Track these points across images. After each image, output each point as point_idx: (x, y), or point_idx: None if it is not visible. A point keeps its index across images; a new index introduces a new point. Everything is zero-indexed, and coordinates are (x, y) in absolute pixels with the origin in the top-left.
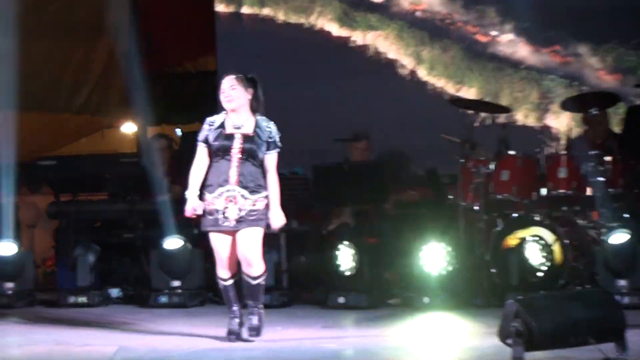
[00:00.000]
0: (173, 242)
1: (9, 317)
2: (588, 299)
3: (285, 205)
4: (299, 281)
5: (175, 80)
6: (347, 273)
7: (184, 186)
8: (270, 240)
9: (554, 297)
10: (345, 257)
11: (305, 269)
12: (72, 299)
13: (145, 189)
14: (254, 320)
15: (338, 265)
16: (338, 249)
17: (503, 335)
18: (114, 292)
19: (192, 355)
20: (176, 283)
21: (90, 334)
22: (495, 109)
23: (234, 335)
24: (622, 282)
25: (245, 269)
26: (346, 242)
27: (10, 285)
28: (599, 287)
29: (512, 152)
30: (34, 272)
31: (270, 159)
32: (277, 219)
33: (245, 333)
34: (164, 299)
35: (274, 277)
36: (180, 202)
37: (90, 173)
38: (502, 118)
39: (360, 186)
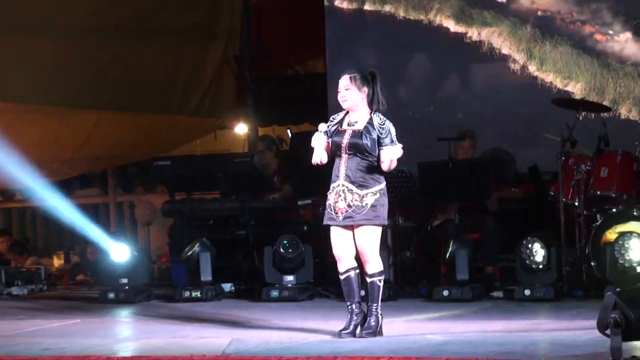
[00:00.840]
0: (285, 240)
1: (128, 311)
2: None
3: (391, 202)
4: (404, 275)
5: (285, 82)
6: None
7: (293, 185)
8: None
9: None
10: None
11: (411, 264)
12: (186, 294)
13: (256, 187)
14: (371, 320)
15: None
16: (444, 244)
17: (602, 326)
18: (227, 286)
19: (304, 347)
20: (289, 278)
21: (204, 327)
22: (597, 108)
23: (347, 331)
24: None
25: (364, 265)
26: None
27: (124, 280)
28: None
29: (611, 150)
30: (149, 268)
31: (383, 155)
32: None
33: (359, 331)
34: (275, 293)
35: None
36: (289, 200)
37: (203, 172)
38: (602, 116)
39: (463, 183)
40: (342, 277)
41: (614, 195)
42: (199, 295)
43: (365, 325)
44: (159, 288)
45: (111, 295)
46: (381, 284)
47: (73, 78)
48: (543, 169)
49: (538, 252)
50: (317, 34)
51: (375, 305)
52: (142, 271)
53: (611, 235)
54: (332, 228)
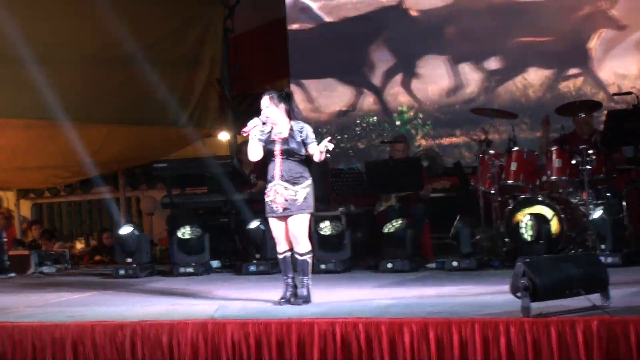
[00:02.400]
0: (254, 224)
1: (134, 284)
2: (579, 260)
3: (345, 193)
4: (356, 252)
5: (257, 98)
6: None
7: (266, 181)
8: (334, 220)
9: (552, 259)
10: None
11: (361, 242)
12: (182, 269)
13: (236, 183)
14: (304, 291)
15: (387, 238)
16: (386, 226)
17: (514, 290)
18: (215, 263)
19: (276, 311)
20: (258, 255)
21: (196, 296)
22: (505, 115)
23: (284, 299)
24: (605, 246)
25: (294, 247)
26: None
27: (129, 260)
28: (587, 251)
29: (519, 148)
30: (151, 250)
31: (311, 150)
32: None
33: (294, 300)
34: (252, 268)
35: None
36: (263, 193)
37: (194, 172)
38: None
39: (402, 177)
40: (280, 257)
41: (522, 184)
42: (192, 270)
43: (299, 294)
44: (161, 265)
45: (122, 272)
46: (310, 261)
47: (89, 98)
48: (465, 165)
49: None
50: (283, 56)
51: (306, 278)
52: (146, 252)
53: (521, 216)
54: (271, 219)
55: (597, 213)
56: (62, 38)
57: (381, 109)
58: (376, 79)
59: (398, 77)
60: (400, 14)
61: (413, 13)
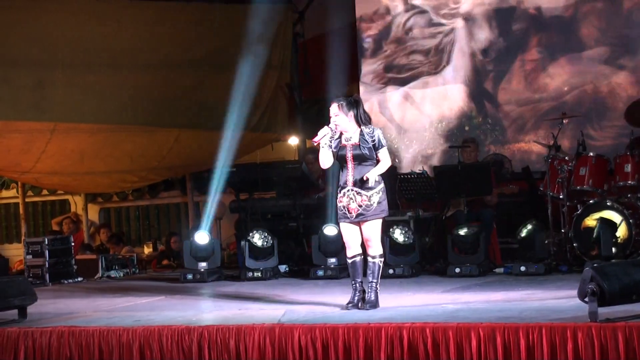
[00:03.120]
0: (330, 229)
1: (202, 289)
2: None
3: (413, 198)
4: (424, 256)
5: (326, 103)
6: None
7: (333, 187)
8: (404, 224)
9: (620, 264)
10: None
11: (430, 247)
12: (250, 274)
13: (304, 188)
14: (372, 295)
15: (456, 242)
16: (455, 230)
17: (581, 295)
18: (282, 268)
19: (344, 315)
20: (331, 260)
21: (263, 301)
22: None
23: (352, 304)
24: None
25: (367, 249)
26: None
27: (202, 264)
28: None
29: (587, 153)
30: (221, 254)
31: (381, 155)
32: (372, 176)
33: (362, 305)
34: (320, 273)
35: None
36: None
37: (262, 177)
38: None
39: (470, 182)
40: (349, 261)
41: (590, 189)
42: (259, 275)
43: (367, 299)
44: (228, 270)
45: (189, 277)
46: (381, 265)
47: (158, 102)
48: (534, 169)
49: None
50: (352, 64)
51: (375, 281)
52: (215, 256)
53: (589, 221)
54: (343, 224)
55: None
56: (131, 43)
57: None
58: None
59: None
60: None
61: None
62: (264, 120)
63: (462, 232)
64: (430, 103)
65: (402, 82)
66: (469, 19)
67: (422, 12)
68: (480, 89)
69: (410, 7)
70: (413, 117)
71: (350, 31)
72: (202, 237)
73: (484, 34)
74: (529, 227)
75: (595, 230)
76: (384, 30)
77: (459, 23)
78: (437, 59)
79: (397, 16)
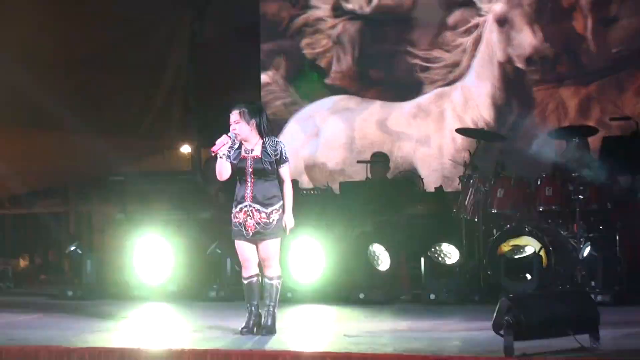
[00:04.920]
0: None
1: (83, 307)
2: (568, 297)
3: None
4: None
5: (225, 109)
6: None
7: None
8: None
9: (539, 295)
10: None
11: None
12: (135, 292)
13: (200, 201)
14: (269, 320)
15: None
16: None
17: (497, 327)
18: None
19: (239, 341)
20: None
21: (150, 322)
22: (494, 137)
23: (246, 329)
24: (595, 283)
25: (264, 270)
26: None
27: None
28: (577, 288)
29: (507, 174)
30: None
31: (282, 172)
32: (289, 222)
33: (257, 330)
34: (212, 294)
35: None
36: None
37: (152, 187)
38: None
39: (378, 200)
40: (245, 282)
41: (508, 213)
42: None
43: (263, 323)
44: (113, 287)
45: (69, 293)
46: (279, 287)
47: (39, 103)
48: (448, 190)
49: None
50: (253, 66)
51: (273, 304)
52: (97, 273)
53: (505, 247)
54: (238, 242)
55: (588, 248)
56: (8, 37)
57: None
58: None
59: None
60: None
61: None
62: (155, 126)
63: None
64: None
65: None
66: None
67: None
68: None
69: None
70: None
71: (254, 30)
72: (75, 247)
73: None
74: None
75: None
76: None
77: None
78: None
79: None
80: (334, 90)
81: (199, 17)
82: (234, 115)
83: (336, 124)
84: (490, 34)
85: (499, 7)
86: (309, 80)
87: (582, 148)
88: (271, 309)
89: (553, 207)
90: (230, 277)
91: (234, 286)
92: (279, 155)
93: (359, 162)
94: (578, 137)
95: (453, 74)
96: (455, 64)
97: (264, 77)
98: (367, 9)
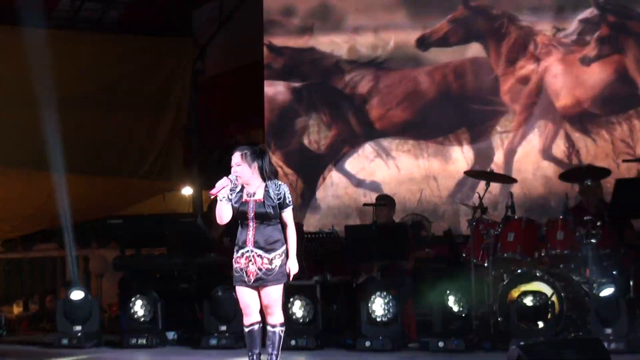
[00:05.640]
0: (225, 292)
1: (78, 356)
2: (581, 345)
3: (321, 260)
4: (331, 326)
5: (228, 150)
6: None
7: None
8: (308, 290)
9: (551, 343)
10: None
11: (337, 316)
12: (133, 341)
13: (200, 245)
14: None
15: (366, 313)
16: (366, 300)
17: None
18: (170, 334)
19: None
20: (223, 327)
21: None
22: (504, 179)
23: None
24: (609, 330)
25: (267, 318)
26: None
27: (77, 328)
28: (590, 335)
29: (517, 217)
30: (100, 316)
31: (286, 216)
32: (293, 268)
33: None
34: (213, 342)
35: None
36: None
37: (151, 230)
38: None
39: (385, 245)
40: (247, 330)
41: (519, 257)
42: (144, 342)
43: None
44: (109, 334)
45: (65, 341)
46: (283, 335)
47: (37, 143)
48: (457, 233)
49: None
50: (257, 106)
51: (275, 353)
52: (93, 319)
53: (516, 293)
54: (240, 288)
55: (602, 293)
56: (4, 76)
57: None
58: None
59: None
60: None
61: None
62: (156, 167)
63: (375, 302)
64: None
65: None
66: None
67: None
68: None
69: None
70: None
71: (258, 68)
72: (77, 294)
73: None
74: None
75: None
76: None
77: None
78: None
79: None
80: None
81: (201, 54)
82: (236, 157)
83: None
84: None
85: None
86: None
87: (595, 190)
88: (274, 358)
89: (565, 252)
90: (233, 325)
91: (236, 334)
92: (282, 199)
93: (365, 205)
94: (590, 179)
95: None
96: None
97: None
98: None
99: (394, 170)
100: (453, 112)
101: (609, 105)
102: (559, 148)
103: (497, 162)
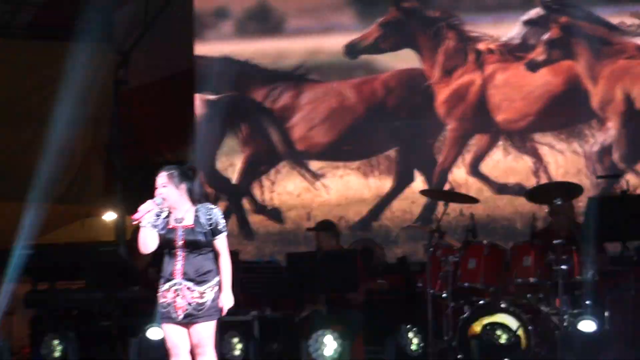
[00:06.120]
0: (154, 332)
1: None
2: None
3: (259, 293)
4: None
5: (154, 170)
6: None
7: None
8: (244, 327)
9: None
10: (316, 344)
11: (278, 356)
12: None
13: (122, 277)
14: None
15: (309, 352)
16: (309, 337)
17: None
18: None
19: None
20: None
21: None
22: (464, 199)
23: None
24: None
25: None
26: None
27: None
28: None
29: (479, 241)
30: None
31: (218, 244)
32: (227, 302)
33: None
34: None
35: None
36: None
37: (68, 261)
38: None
39: (331, 275)
40: None
41: (481, 287)
42: None
43: None
44: None
45: None
46: None
47: None
48: (412, 261)
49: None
50: (187, 120)
51: None
52: None
53: (478, 327)
54: (167, 325)
55: (580, 326)
56: None
57: None
58: None
59: None
60: None
61: None
62: (72, 190)
63: (319, 342)
64: None
65: None
66: None
67: None
68: None
69: None
70: None
71: (188, 78)
72: None
73: None
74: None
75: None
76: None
77: None
78: None
79: None
80: None
81: (123, 62)
82: (162, 178)
83: None
84: None
85: None
86: None
87: (565, 210)
88: None
89: (532, 280)
90: None
91: None
92: (214, 225)
93: (308, 230)
94: (560, 198)
95: None
96: None
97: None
98: None
99: (340, 190)
100: (383, 129)
101: (556, 119)
102: (526, 164)
103: (457, 180)
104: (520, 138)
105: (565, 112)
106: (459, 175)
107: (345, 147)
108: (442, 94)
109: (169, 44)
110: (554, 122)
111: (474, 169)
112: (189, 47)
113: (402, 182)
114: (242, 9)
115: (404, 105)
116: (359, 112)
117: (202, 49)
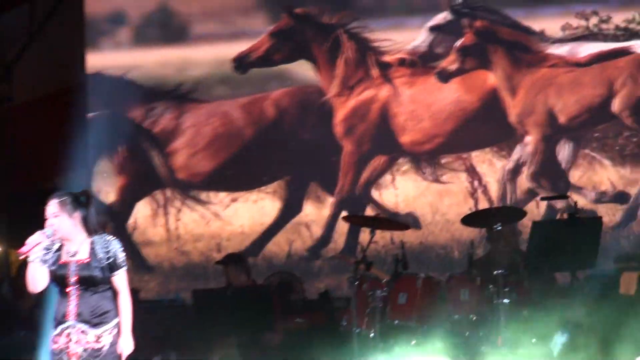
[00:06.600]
0: None
1: None
2: None
3: (162, 337)
4: None
5: (43, 197)
6: None
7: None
8: None
9: None
10: None
11: None
12: None
13: (5, 320)
14: None
15: None
16: None
17: None
18: None
19: None
20: None
21: None
22: (394, 226)
23: None
24: None
25: None
26: None
27: None
28: None
29: (411, 273)
30: None
31: (118, 280)
32: (127, 346)
33: None
34: None
35: None
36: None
37: None
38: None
39: (244, 313)
40: None
41: (413, 324)
42: None
43: None
44: None
45: None
46: None
47: None
48: (335, 295)
49: None
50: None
51: None
52: None
53: None
54: None
55: None
56: None
57: None
58: None
59: None
60: None
61: None
62: None
63: None
64: None
65: None
66: None
67: None
68: None
69: None
70: None
71: (79, 93)
72: None
73: None
74: None
75: None
76: None
77: None
78: None
79: None
80: None
81: (6, 75)
82: (53, 206)
83: None
84: None
85: None
86: None
87: (506, 237)
88: None
89: (471, 315)
90: None
91: None
92: (112, 259)
93: (216, 263)
94: (500, 223)
95: None
96: None
97: None
98: None
99: (255, 217)
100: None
101: (468, 138)
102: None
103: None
104: (429, 161)
105: (481, 130)
106: (388, 199)
107: (231, 174)
108: (341, 112)
109: (58, 55)
110: (468, 141)
111: (366, 193)
112: (80, 58)
113: (292, 211)
114: (140, 14)
115: (299, 126)
116: (247, 136)
117: (96, 59)
